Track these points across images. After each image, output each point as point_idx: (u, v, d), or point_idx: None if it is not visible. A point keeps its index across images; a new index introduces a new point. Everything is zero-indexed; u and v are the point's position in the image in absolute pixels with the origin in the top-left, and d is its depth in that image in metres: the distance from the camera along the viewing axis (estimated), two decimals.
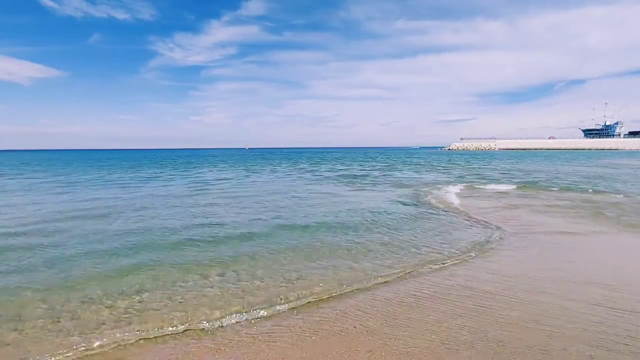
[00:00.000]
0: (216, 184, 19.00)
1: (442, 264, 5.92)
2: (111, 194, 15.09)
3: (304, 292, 4.80)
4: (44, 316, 4.16)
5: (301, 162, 45.01)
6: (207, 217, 9.73)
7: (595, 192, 14.48)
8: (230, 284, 5.07)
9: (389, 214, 10.19)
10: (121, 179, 22.27)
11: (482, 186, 17.22)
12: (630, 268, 5.72)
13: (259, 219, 9.50)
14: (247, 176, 24.23)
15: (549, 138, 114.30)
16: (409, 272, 5.53)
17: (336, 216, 9.80)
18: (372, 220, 9.34)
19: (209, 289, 4.91)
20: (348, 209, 10.87)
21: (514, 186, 16.95)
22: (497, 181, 19.34)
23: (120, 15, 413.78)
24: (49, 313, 4.24)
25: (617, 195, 13.29)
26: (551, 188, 15.99)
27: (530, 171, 26.48)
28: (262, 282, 5.15)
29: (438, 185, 17.47)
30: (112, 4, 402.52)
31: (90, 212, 10.55)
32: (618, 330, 3.75)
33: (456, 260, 6.12)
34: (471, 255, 6.34)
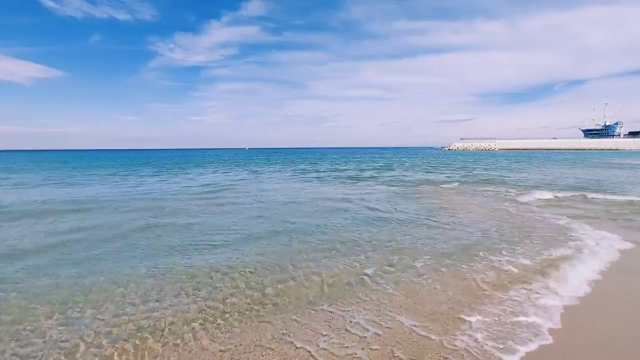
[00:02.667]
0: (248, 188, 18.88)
1: None
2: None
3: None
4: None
5: (305, 163, 44.89)
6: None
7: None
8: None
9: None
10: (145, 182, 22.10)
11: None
12: None
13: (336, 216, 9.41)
14: (275, 177, 24.13)
15: (553, 139, 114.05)
16: None
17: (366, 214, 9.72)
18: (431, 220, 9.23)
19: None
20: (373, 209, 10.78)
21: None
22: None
23: (121, 15, 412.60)
24: None
25: None
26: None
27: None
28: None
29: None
30: (112, 5, 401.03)
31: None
32: None
33: None
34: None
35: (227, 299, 4.62)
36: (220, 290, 4.90)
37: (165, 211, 10.80)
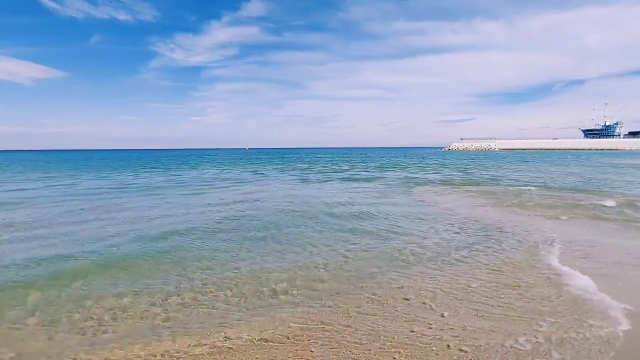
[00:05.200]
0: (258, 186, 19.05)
1: None
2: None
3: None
4: None
5: (305, 163, 45.03)
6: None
7: None
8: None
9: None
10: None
11: None
12: None
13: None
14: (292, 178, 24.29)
15: (554, 139, 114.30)
16: None
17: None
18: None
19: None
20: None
21: None
22: None
23: (122, 16, 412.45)
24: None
25: None
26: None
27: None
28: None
29: None
30: (113, 5, 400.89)
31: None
32: None
33: None
34: None
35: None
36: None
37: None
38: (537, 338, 3.57)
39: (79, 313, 4.28)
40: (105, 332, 3.87)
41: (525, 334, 3.64)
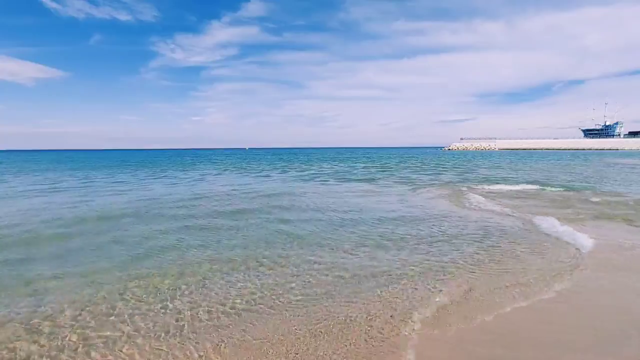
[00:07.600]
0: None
1: None
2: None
3: None
4: None
5: (306, 164, 44.94)
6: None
7: None
8: None
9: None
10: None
11: None
12: None
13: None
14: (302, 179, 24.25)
15: (554, 139, 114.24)
16: None
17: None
18: None
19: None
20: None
21: None
22: None
23: (122, 16, 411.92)
24: None
25: None
26: None
27: None
28: None
29: None
30: (114, 5, 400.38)
31: None
32: None
33: None
34: None
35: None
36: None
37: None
38: None
39: None
40: None
41: None
